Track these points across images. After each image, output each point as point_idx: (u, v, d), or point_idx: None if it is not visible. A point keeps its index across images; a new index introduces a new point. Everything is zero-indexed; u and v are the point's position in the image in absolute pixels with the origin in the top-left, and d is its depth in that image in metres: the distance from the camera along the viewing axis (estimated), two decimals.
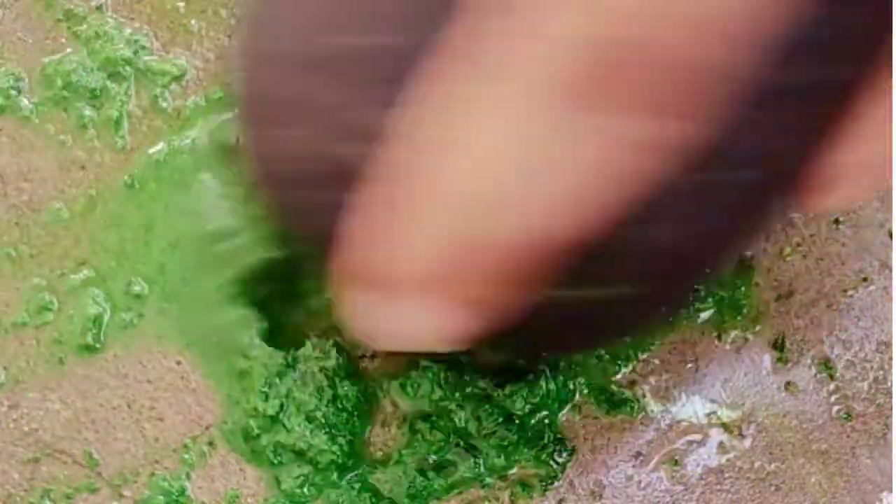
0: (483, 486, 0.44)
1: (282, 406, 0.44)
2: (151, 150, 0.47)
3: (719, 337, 0.46)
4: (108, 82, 0.47)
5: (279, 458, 0.44)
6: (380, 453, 0.44)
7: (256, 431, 0.44)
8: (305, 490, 0.44)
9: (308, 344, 0.44)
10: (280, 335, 0.45)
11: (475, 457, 0.44)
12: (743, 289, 0.46)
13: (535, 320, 0.24)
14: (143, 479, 0.44)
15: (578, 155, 0.17)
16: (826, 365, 0.46)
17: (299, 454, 0.44)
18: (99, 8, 0.48)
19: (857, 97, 0.23)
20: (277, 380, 0.44)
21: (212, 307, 0.44)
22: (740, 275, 0.47)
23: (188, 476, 0.45)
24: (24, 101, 0.45)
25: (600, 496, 0.45)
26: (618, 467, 0.46)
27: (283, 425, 0.44)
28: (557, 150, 0.17)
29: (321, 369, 0.44)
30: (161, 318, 0.45)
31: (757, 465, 0.46)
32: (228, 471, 0.45)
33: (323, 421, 0.44)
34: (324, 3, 0.27)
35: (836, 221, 0.47)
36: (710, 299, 0.46)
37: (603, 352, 0.45)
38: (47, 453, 0.44)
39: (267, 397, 0.44)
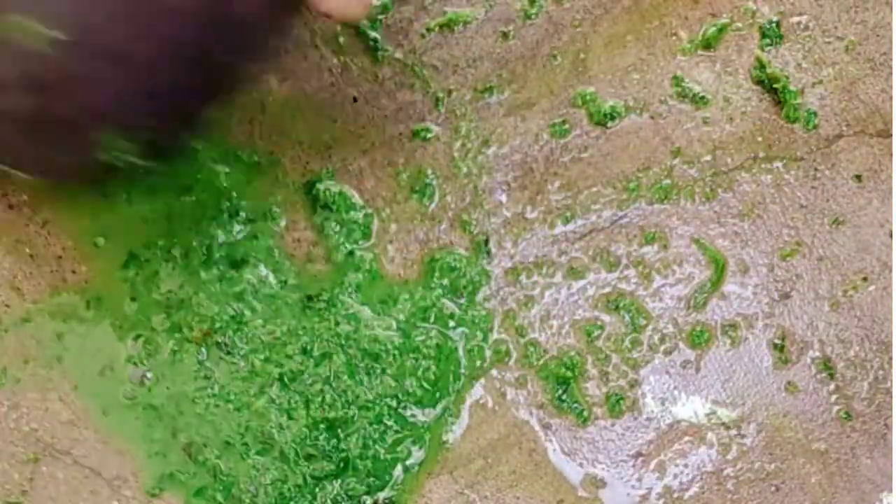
0: None
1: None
2: None
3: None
4: None
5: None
6: None
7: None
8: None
9: None
10: None
11: None
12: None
13: None
14: (144, 479, 0.45)
15: None
16: (826, 365, 0.46)
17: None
18: None
19: None
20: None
21: None
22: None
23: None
24: None
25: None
26: (618, 466, 0.46)
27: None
28: None
29: None
30: None
31: (757, 465, 0.46)
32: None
33: None
34: None
35: (836, 221, 0.47)
36: None
37: None
38: (47, 453, 0.44)
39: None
